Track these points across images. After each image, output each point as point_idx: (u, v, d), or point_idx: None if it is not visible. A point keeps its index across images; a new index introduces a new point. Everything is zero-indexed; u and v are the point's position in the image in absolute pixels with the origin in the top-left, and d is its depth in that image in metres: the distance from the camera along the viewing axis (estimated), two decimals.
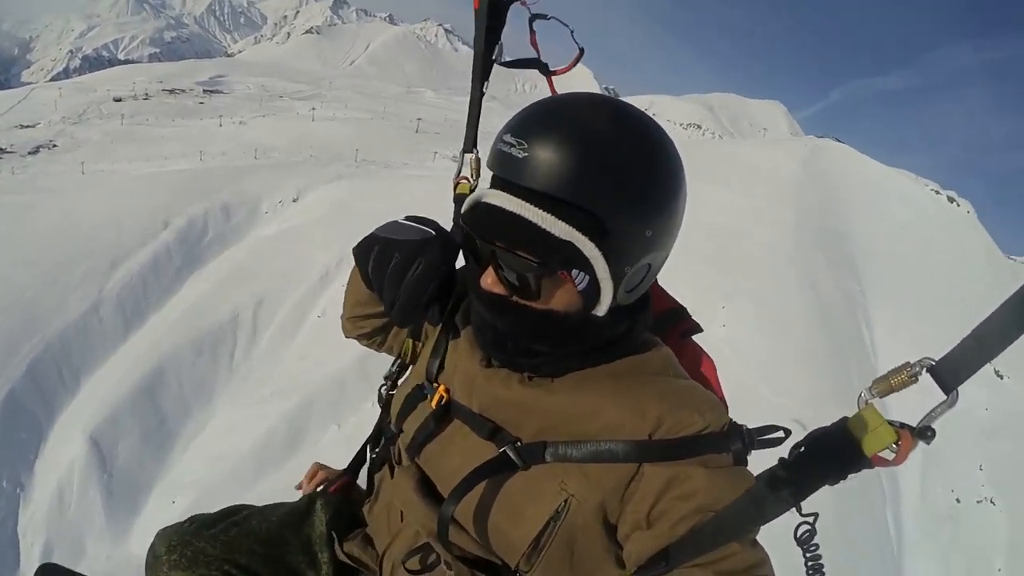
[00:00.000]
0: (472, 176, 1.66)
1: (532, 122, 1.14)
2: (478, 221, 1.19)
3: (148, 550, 1.51)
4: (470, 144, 1.70)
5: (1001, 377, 15.99)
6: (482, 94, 1.67)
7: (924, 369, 0.74)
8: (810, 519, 0.92)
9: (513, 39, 1.66)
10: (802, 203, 19.26)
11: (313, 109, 49.99)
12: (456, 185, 1.67)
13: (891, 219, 20.13)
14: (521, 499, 1.21)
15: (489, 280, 1.22)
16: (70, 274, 15.13)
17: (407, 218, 1.45)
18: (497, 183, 1.19)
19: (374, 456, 1.71)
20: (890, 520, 11.78)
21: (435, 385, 1.42)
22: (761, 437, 1.15)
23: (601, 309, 1.19)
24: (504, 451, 1.23)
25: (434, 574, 1.36)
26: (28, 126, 43.26)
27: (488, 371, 1.33)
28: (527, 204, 1.11)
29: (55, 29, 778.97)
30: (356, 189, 21.68)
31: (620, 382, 1.25)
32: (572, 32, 1.67)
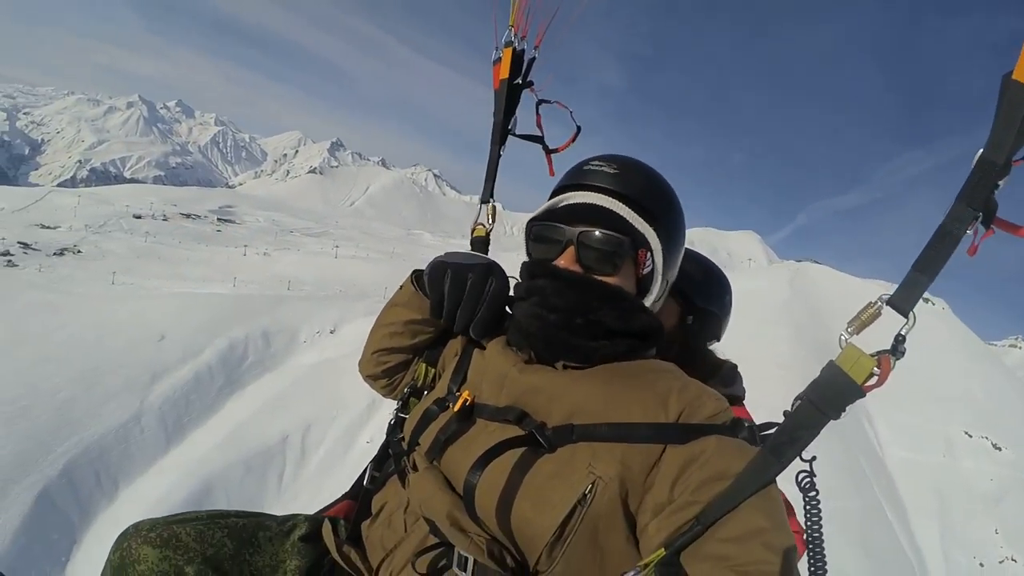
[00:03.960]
0: (488, 221, 1.93)
1: (616, 157, 1.51)
2: (567, 213, 1.47)
3: (132, 524, 1.49)
4: (487, 195, 1.95)
5: (999, 449, 16.77)
6: (499, 155, 1.94)
7: (883, 302, 0.91)
8: (807, 466, 1.07)
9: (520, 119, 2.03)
10: (794, 320, 20.06)
11: (336, 247, 51.12)
12: (473, 230, 1.93)
13: (872, 324, 21.43)
14: (548, 484, 1.22)
15: (565, 261, 1.45)
16: (106, 382, 15.00)
17: (453, 253, 1.69)
18: (581, 189, 1.48)
19: (376, 475, 1.74)
20: None
21: (458, 394, 1.49)
22: (763, 432, 1.25)
23: (650, 299, 1.47)
24: (531, 431, 1.30)
25: None
26: (49, 227, 44.27)
27: (523, 366, 1.45)
28: (616, 201, 1.42)
29: (67, 137, 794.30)
30: None
31: (643, 375, 1.40)
32: (572, 113, 1.92)
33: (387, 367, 1.82)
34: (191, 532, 1.43)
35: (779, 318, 20.52)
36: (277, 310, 21.50)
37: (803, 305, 22.72)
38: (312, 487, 14.22)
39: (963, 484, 15.77)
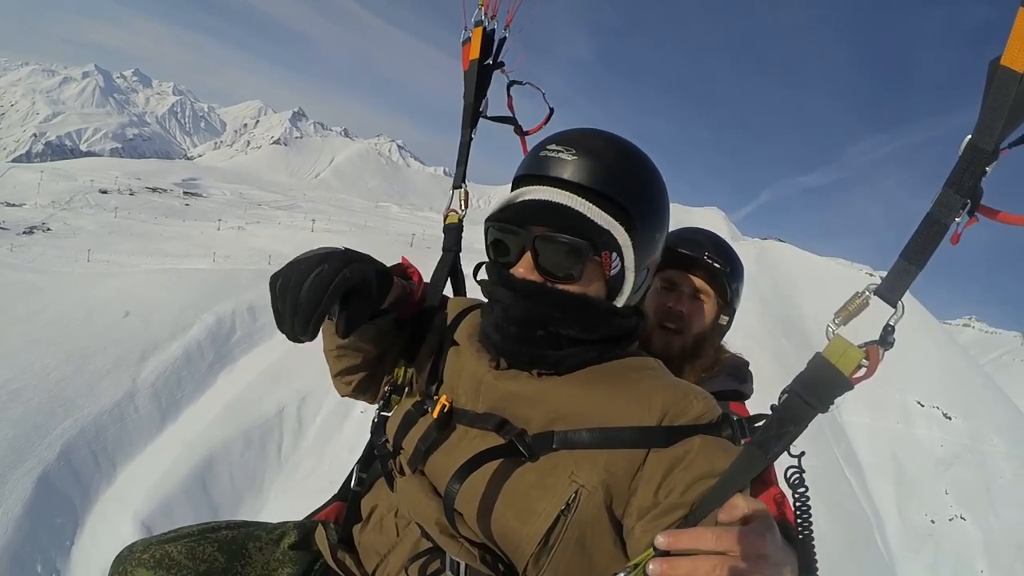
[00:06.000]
0: (460, 208, 1.83)
1: (576, 137, 1.34)
2: (519, 214, 1.32)
3: (126, 547, 1.50)
4: (459, 181, 1.85)
5: (949, 418, 17.85)
6: (470, 139, 1.85)
7: (871, 293, 0.85)
8: (795, 461, 1.02)
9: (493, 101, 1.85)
10: (760, 295, 20.83)
11: (313, 220, 50.76)
12: (445, 217, 1.83)
13: (834, 301, 22.12)
14: (531, 494, 1.21)
15: (523, 269, 1.33)
16: (97, 361, 14.80)
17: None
18: (536, 183, 1.33)
19: (363, 476, 1.68)
20: (879, 542, 13.13)
21: (436, 398, 1.43)
22: (753, 425, 1.23)
23: (621, 300, 1.35)
24: (511, 440, 1.26)
25: None
26: (14, 205, 43.59)
27: (497, 372, 1.39)
28: (575, 196, 1.27)
29: (21, 109, 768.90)
30: None
31: (625, 375, 1.34)
32: (544, 95, 1.82)
33: (354, 386, 1.73)
34: (182, 550, 1.45)
35: (747, 292, 20.92)
36: (261, 284, 20.64)
37: (769, 281, 23.60)
38: (313, 456, 14.25)
39: (917, 449, 16.60)
